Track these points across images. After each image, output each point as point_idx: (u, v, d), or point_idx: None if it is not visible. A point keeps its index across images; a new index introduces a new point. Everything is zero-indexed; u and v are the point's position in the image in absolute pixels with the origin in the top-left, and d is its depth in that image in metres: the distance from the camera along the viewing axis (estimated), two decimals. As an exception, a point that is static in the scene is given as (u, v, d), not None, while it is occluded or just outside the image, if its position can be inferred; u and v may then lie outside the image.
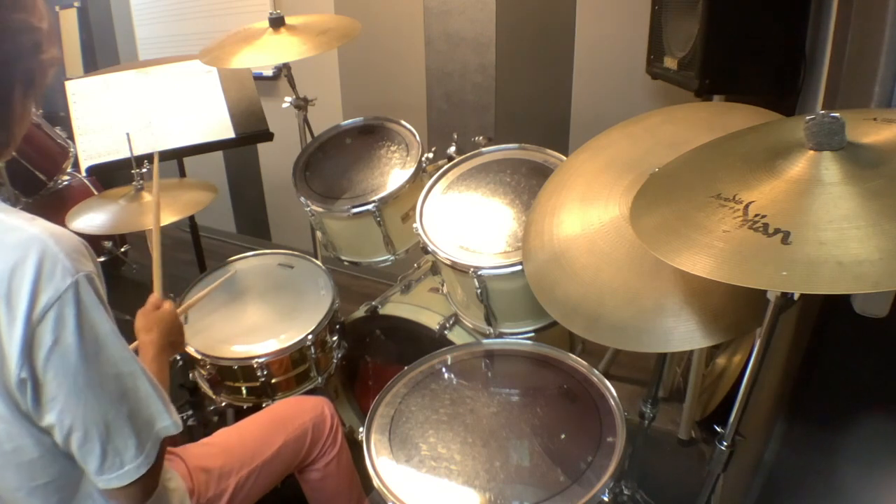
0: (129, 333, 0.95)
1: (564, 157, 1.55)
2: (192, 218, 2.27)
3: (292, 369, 1.71)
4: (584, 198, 1.25)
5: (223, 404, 1.74)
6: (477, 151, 1.73)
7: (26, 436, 0.83)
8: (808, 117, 0.77)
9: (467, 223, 1.58)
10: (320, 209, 1.77)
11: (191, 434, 1.82)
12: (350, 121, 2.00)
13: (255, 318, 1.78)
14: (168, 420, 0.92)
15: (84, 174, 2.05)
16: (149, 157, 1.77)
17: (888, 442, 1.08)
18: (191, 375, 1.79)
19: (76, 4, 3.69)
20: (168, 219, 1.66)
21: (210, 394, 1.73)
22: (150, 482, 0.92)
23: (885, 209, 0.69)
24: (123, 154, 1.96)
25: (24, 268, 0.76)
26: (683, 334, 1.00)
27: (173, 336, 1.25)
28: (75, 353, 0.79)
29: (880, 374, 1.15)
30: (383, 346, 1.95)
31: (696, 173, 0.93)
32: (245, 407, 1.71)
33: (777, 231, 0.71)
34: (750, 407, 0.98)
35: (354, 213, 1.72)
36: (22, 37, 0.82)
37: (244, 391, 1.70)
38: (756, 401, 1.04)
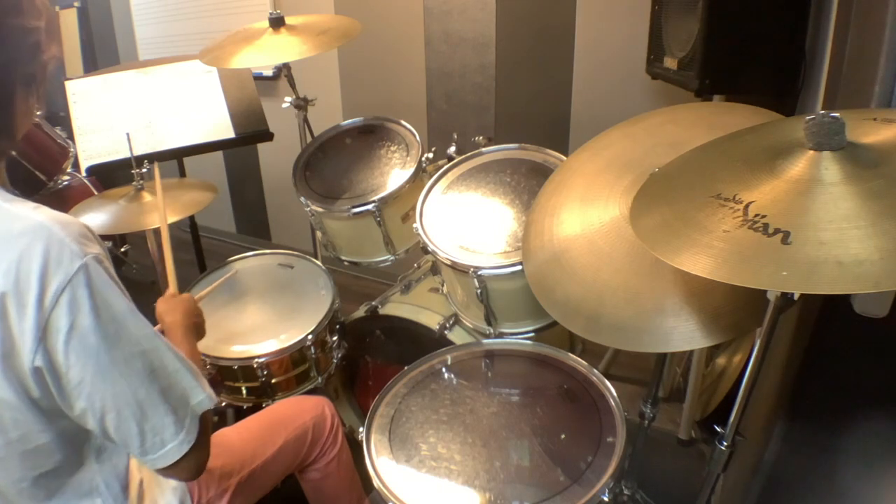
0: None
1: (564, 157, 1.55)
2: (192, 218, 2.27)
3: (292, 369, 1.71)
4: (584, 198, 1.25)
5: (223, 404, 1.73)
6: (477, 151, 1.73)
7: (34, 422, 0.83)
8: (808, 117, 0.77)
9: (467, 223, 1.58)
10: (320, 209, 1.77)
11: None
12: (350, 121, 2.00)
13: (255, 318, 1.78)
14: (202, 394, 0.91)
15: (84, 174, 2.05)
16: (149, 157, 1.77)
17: (888, 442, 1.08)
18: (191, 375, 1.79)
19: (76, 4, 3.69)
20: (168, 219, 1.66)
21: (210, 394, 1.73)
22: (199, 457, 0.92)
23: (885, 209, 0.69)
24: (123, 154, 1.96)
25: (32, 255, 0.76)
26: (683, 334, 1.00)
27: (196, 318, 1.28)
28: (94, 335, 0.79)
29: (880, 374, 1.15)
30: (383, 346, 1.95)
31: (696, 173, 0.93)
32: (245, 407, 1.71)
33: (777, 231, 0.71)
34: (750, 407, 0.98)
35: (354, 213, 1.72)
36: (20, 41, 0.82)
37: (244, 391, 1.70)
38: (756, 401, 1.04)
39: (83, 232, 0.82)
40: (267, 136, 2.22)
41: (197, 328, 1.28)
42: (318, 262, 1.94)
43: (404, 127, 1.91)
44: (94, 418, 0.83)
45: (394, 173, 1.79)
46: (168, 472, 0.91)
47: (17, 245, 0.77)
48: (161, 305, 1.26)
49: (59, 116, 2.66)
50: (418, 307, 1.78)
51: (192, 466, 0.92)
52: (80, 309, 0.78)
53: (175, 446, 0.88)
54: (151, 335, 0.87)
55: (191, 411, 0.90)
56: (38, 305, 0.76)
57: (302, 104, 2.04)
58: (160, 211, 1.53)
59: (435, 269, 1.66)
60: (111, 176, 2.13)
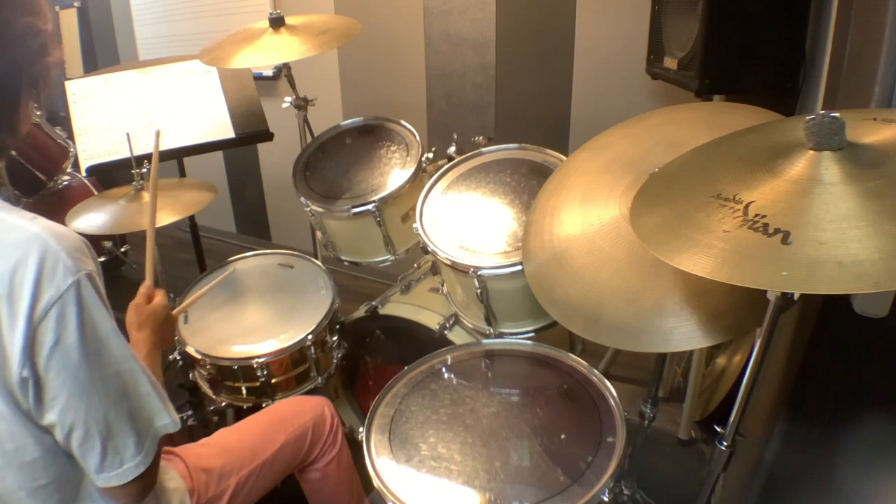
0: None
1: (564, 157, 1.55)
2: (192, 218, 2.27)
3: (292, 369, 1.71)
4: (584, 198, 1.25)
5: (223, 404, 1.74)
6: (477, 151, 1.73)
7: (27, 435, 0.84)
8: (808, 117, 0.77)
9: (467, 223, 1.57)
10: (320, 209, 1.77)
11: (191, 434, 1.82)
12: (350, 121, 2.00)
13: (254, 318, 1.78)
14: (167, 418, 0.92)
15: (84, 174, 2.05)
16: (149, 158, 1.75)
17: (888, 442, 1.08)
18: (191, 375, 1.79)
19: (76, 4, 3.69)
20: (168, 219, 1.66)
21: (210, 394, 1.73)
22: (148, 480, 0.93)
23: (885, 209, 0.69)
24: (123, 154, 1.96)
25: (26, 267, 0.76)
26: (683, 334, 1.00)
27: (164, 333, 1.24)
28: (77, 352, 0.80)
29: (880, 374, 1.15)
30: (383, 346, 1.95)
31: (696, 173, 0.93)
32: (245, 407, 1.71)
33: (777, 231, 0.71)
34: (750, 407, 0.98)
35: (354, 213, 1.72)
36: (29, 41, 0.83)
37: (244, 391, 1.70)
38: (756, 401, 1.04)
39: (79, 246, 0.82)
40: (267, 136, 2.22)
41: (163, 342, 1.24)
42: (318, 262, 1.94)
43: (404, 127, 1.91)
44: (61, 432, 0.83)
45: (394, 173, 1.79)
46: (114, 491, 0.90)
47: (13, 255, 0.77)
48: (132, 315, 1.21)
49: (59, 116, 2.67)
50: (418, 307, 1.78)
51: (138, 490, 0.92)
52: (66, 325, 0.79)
53: (132, 467, 0.88)
54: (130, 357, 0.88)
55: (152, 433, 0.91)
56: (29, 317, 0.76)
57: (302, 104, 2.04)
58: (151, 193, 1.47)
59: (435, 269, 1.66)
60: (111, 176, 2.13)
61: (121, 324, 0.89)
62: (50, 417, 0.82)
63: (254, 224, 3.68)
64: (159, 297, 1.26)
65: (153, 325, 1.20)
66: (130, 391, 0.87)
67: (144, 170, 1.77)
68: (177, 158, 2.25)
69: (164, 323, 1.24)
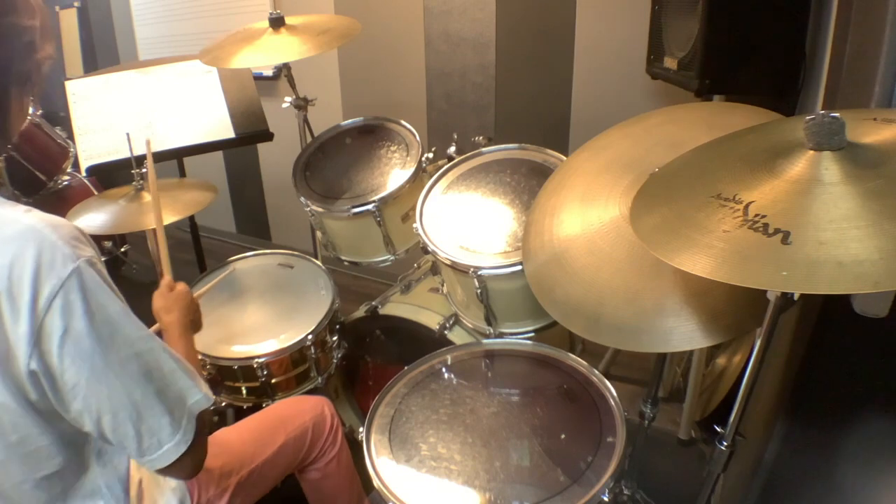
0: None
1: (564, 157, 1.55)
2: (192, 218, 2.27)
3: (292, 369, 1.71)
4: (584, 198, 1.25)
5: (223, 404, 1.73)
6: (477, 151, 1.73)
7: (32, 425, 0.83)
8: (808, 117, 0.77)
9: (467, 223, 1.58)
10: (320, 209, 1.77)
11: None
12: (350, 121, 2.00)
13: (254, 318, 1.78)
14: (199, 394, 0.92)
15: (84, 174, 2.05)
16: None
17: (888, 442, 1.08)
18: (191, 375, 1.79)
19: (76, 4, 3.69)
20: (168, 219, 1.66)
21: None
22: (196, 457, 0.93)
23: (885, 209, 0.69)
24: (123, 154, 1.96)
25: (24, 259, 0.76)
26: (683, 334, 1.00)
27: (193, 314, 1.27)
28: (88, 338, 0.79)
29: (880, 374, 1.15)
30: (383, 346, 1.95)
31: (696, 173, 0.93)
32: (245, 407, 1.71)
33: (777, 231, 0.71)
34: (750, 407, 0.98)
35: (354, 213, 1.72)
36: (14, 40, 0.83)
37: (244, 391, 1.70)
38: (756, 401, 1.04)
39: (75, 234, 0.82)
40: (267, 136, 2.22)
41: (194, 324, 1.27)
42: (318, 262, 1.94)
43: (404, 127, 1.91)
44: (91, 420, 0.83)
45: (394, 173, 1.79)
46: (166, 471, 0.91)
47: (9, 249, 0.76)
48: (158, 301, 1.24)
49: (59, 116, 2.67)
50: (418, 307, 1.79)
51: (189, 466, 0.92)
52: (73, 313, 0.78)
53: (172, 447, 0.88)
54: (146, 336, 0.87)
55: (187, 411, 0.90)
56: (32, 310, 0.76)
57: (302, 104, 2.04)
58: (153, 192, 1.50)
59: (435, 269, 1.66)
60: (111, 176, 2.13)
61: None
62: (76, 406, 0.82)
63: (254, 224, 3.68)
64: (182, 286, 1.29)
65: (182, 307, 1.23)
66: (154, 371, 0.86)
67: (144, 170, 1.77)
68: (177, 158, 2.25)
69: (190, 304, 1.27)
